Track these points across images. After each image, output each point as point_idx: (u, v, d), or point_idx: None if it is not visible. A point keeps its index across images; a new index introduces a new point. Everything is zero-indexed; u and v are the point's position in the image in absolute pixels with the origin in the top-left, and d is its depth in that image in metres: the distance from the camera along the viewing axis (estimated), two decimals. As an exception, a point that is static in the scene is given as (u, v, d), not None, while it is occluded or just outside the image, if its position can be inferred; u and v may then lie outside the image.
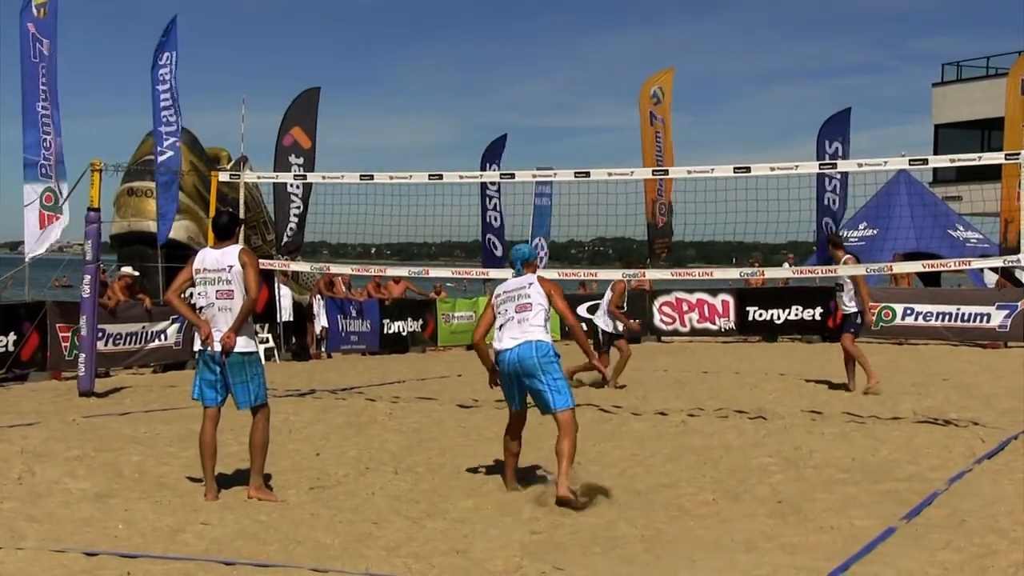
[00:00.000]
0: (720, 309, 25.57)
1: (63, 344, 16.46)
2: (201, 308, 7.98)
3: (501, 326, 8.35)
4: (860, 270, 14.38)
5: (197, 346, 8.08)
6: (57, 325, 16.54)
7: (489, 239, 24.46)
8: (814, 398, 14.08)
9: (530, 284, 8.40)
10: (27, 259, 17.02)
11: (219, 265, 7.93)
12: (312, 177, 17.47)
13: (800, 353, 21.53)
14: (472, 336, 10.32)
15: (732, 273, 16.91)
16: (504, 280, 8.79)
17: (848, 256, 14.85)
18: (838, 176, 24.13)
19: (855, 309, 14.86)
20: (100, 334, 15.74)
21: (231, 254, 7.96)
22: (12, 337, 16.15)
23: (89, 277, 14.65)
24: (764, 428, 11.61)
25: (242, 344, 7.96)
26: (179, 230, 19.44)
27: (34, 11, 15.89)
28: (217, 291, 7.91)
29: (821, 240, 24.73)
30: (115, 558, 6.31)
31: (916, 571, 6.11)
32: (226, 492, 8.23)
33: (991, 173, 25.34)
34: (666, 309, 26.04)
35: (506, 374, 8.29)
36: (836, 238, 15.59)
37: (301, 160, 21.06)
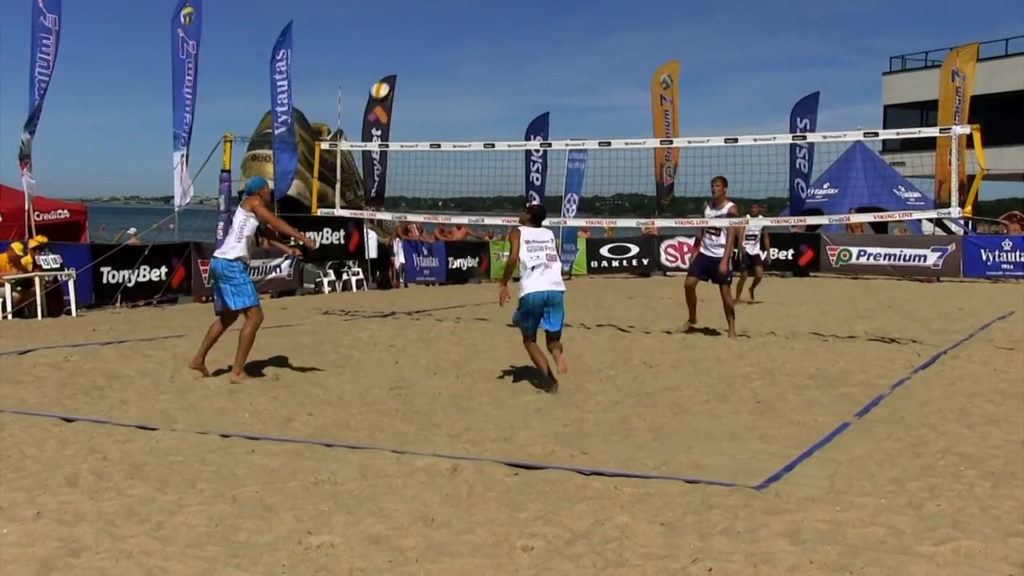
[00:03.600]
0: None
1: (203, 275, 16.61)
2: (533, 268, 8.33)
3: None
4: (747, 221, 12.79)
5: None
6: (199, 260, 16.69)
7: (531, 194, 24.27)
8: (786, 320, 13.94)
9: None
10: (176, 209, 17.14)
11: (543, 238, 8.49)
12: (393, 145, 17.32)
13: (776, 285, 21.32)
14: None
15: (723, 222, 16.61)
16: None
17: (756, 207, 13.19)
18: (807, 146, 23.89)
19: (757, 251, 13.19)
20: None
21: (549, 233, 8.61)
22: (164, 270, 16.37)
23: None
24: (747, 344, 11.51)
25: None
26: (291, 188, 19.48)
27: (182, 19, 15.99)
28: (547, 255, 8.41)
29: (794, 197, 24.44)
30: (243, 440, 6.36)
31: (865, 456, 6.04)
32: (327, 390, 8.28)
33: (928, 144, 24.91)
34: (670, 250, 25.94)
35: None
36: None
37: (379, 132, 21.01)
